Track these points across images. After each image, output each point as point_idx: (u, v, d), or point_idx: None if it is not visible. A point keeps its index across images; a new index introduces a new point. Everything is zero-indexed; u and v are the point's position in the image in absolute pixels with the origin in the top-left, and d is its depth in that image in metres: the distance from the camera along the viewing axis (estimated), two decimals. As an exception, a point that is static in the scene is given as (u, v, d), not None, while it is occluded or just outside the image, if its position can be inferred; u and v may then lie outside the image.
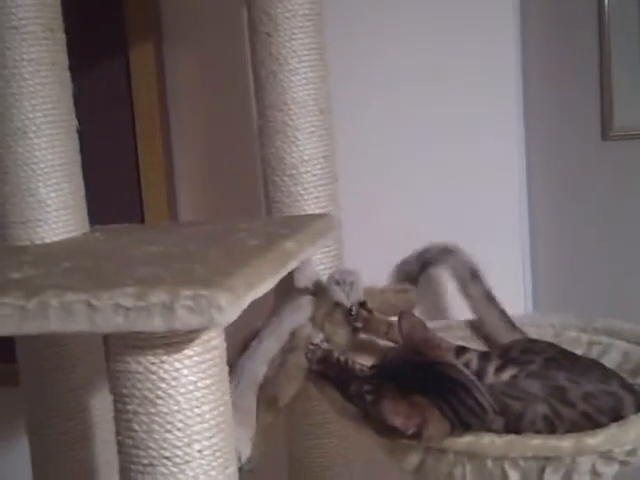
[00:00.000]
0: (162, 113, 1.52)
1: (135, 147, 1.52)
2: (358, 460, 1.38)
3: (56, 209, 1.10)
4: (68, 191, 1.11)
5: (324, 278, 1.22)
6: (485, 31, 1.42)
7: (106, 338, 1.17)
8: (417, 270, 1.36)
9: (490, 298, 1.31)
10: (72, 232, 1.12)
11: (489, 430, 1.00)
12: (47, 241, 1.09)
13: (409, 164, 1.47)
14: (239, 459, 1.03)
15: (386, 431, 1.00)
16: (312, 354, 1.15)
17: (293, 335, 1.16)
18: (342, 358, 1.16)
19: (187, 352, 0.81)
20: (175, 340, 0.80)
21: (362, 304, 1.21)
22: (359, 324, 1.20)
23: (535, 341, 1.25)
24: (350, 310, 1.19)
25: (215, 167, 1.55)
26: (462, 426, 0.98)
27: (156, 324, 0.75)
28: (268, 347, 1.14)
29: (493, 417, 1.00)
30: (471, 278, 1.32)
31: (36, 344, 1.15)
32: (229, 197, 1.55)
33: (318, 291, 1.20)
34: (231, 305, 0.74)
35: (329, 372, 1.15)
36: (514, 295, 1.47)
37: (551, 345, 1.22)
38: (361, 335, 1.23)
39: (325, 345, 1.17)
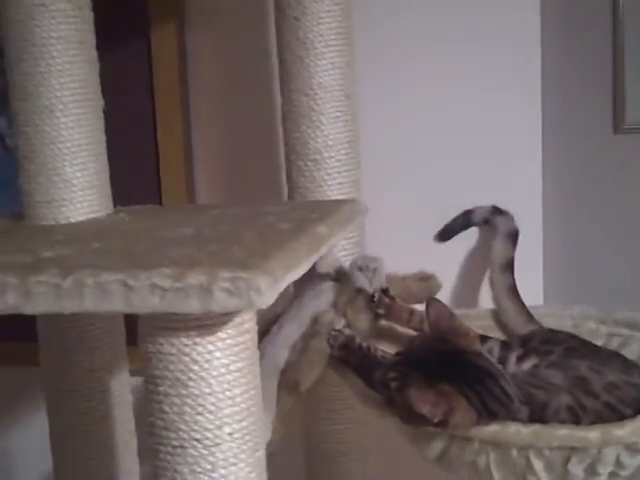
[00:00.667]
0: (182, 96, 1.51)
1: (154, 130, 1.51)
2: (375, 447, 1.38)
3: (81, 189, 1.09)
4: (94, 171, 1.11)
5: (346, 264, 1.22)
6: (509, 24, 1.42)
7: (128, 321, 1.19)
8: (461, 224, 1.37)
9: (514, 289, 1.32)
10: (97, 212, 1.11)
11: (514, 419, 1.00)
12: (72, 221, 1.09)
13: (430, 151, 1.47)
14: None
15: (411, 418, 0.99)
16: (334, 340, 1.14)
17: (315, 321, 1.16)
18: (364, 344, 1.15)
19: (220, 335, 0.80)
20: (209, 322, 0.79)
21: (384, 291, 1.21)
22: (381, 311, 1.20)
23: (555, 331, 1.25)
24: (372, 296, 1.19)
25: (234, 151, 1.55)
26: (489, 415, 0.98)
27: (193, 306, 0.74)
28: (289, 332, 1.14)
29: (519, 406, 1.00)
30: (505, 266, 1.32)
31: (58, 324, 1.15)
32: (247, 182, 1.54)
33: (340, 277, 1.20)
34: (269, 288, 0.73)
35: (351, 358, 1.14)
36: (531, 287, 1.47)
37: (571, 336, 1.22)
38: (382, 322, 1.23)
39: (347, 331, 1.16)
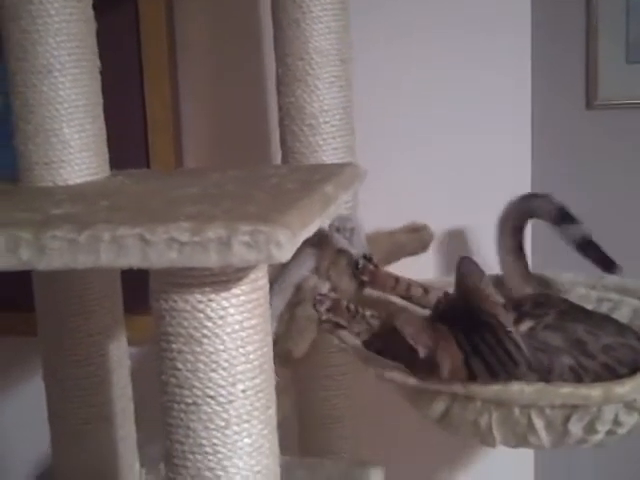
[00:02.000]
0: (170, 58, 1.49)
1: (142, 93, 1.49)
2: (369, 412, 1.39)
3: (79, 150, 1.08)
4: (91, 133, 1.09)
5: (324, 227, 1.21)
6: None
7: (126, 285, 1.18)
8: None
9: (519, 248, 1.32)
10: (94, 175, 1.10)
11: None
12: (70, 183, 1.07)
13: (422, 122, 1.47)
14: None
15: (411, 365, 1.01)
16: (319, 304, 1.14)
17: (299, 288, 1.16)
18: (351, 305, 1.15)
19: (235, 291, 0.80)
20: (224, 279, 0.79)
21: (368, 258, 1.20)
22: (365, 278, 1.20)
23: (547, 295, 1.26)
24: (356, 264, 1.19)
25: (223, 116, 1.53)
26: (488, 372, 0.98)
27: (212, 260, 0.73)
28: (275, 304, 1.13)
29: (525, 371, 1.00)
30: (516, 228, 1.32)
31: (56, 289, 1.13)
32: (236, 147, 1.53)
33: (320, 241, 1.19)
34: (289, 241, 0.73)
35: (340, 320, 1.15)
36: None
37: (563, 300, 1.24)
38: (367, 290, 1.23)
39: (332, 295, 1.16)
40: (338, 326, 1.15)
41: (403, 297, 1.21)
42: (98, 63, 1.11)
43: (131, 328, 1.23)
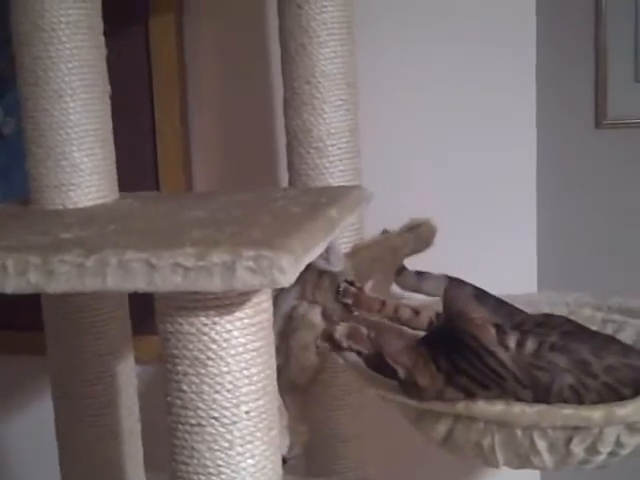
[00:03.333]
0: (181, 83, 1.51)
1: (153, 118, 1.52)
2: (373, 433, 1.39)
3: (89, 174, 1.10)
4: (101, 156, 1.11)
5: None
6: (507, 22, 1.44)
7: (133, 305, 1.20)
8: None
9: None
10: (104, 198, 1.12)
11: (518, 400, 1.01)
12: (80, 206, 1.09)
13: (428, 144, 1.49)
14: None
15: (410, 390, 1.01)
16: (344, 296, 1.16)
17: (290, 317, 1.16)
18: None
19: (238, 314, 0.82)
20: (227, 302, 0.81)
21: (350, 282, 1.20)
22: (348, 300, 1.19)
23: (550, 315, 1.26)
24: (338, 287, 1.19)
25: (232, 140, 1.55)
26: (477, 385, 0.99)
27: (216, 284, 0.75)
28: None
29: (515, 386, 1.01)
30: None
31: (65, 310, 1.15)
32: (245, 170, 1.55)
33: None
34: (292, 266, 0.75)
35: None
36: (525, 275, 1.50)
37: (566, 320, 1.24)
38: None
39: (354, 287, 1.17)
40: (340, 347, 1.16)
41: (391, 319, 1.21)
42: (108, 88, 1.13)
43: (138, 348, 1.24)
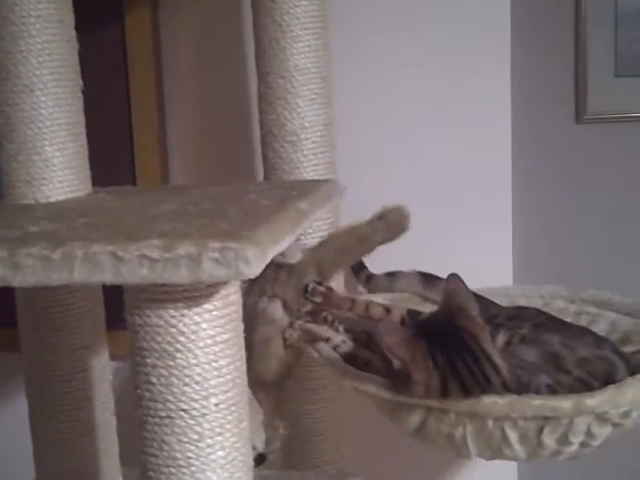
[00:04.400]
0: (157, 78, 1.51)
1: (129, 112, 1.51)
2: (349, 426, 1.40)
3: (61, 168, 1.10)
4: (73, 151, 1.11)
5: None
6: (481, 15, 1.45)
7: (108, 299, 1.20)
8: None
9: None
10: (76, 192, 1.12)
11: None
12: (52, 200, 1.09)
13: (403, 138, 1.49)
14: (254, 448, 1.03)
15: (397, 382, 1.01)
16: (312, 294, 1.16)
17: (252, 314, 1.15)
18: (329, 317, 1.16)
19: (207, 306, 0.82)
20: (196, 294, 0.81)
21: (318, 282, 1.20)
22: (317, 299, 1.19)
23: (523, 308, 1.27)
24: (307, 287, 1.18)
25: (208, 133, 1.55)
26: (462, 392, 0.99)
27: (182, 276, 0.75)
28: None
29: (499, 390, 1.00)
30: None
31: (39, 304, 1.15)
32: (221, 164, 1.55)
33: None
34: (257, 258, 0.75)
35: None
36: (501, 269, 1.51)
37: (539, 311, 1.24)
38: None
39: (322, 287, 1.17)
40: (315, 338, 1.16)
41: (362, 317, 1.21)
42: (80, 82, 1.13)
43: (113, 343, 1.24)
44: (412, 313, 1.17)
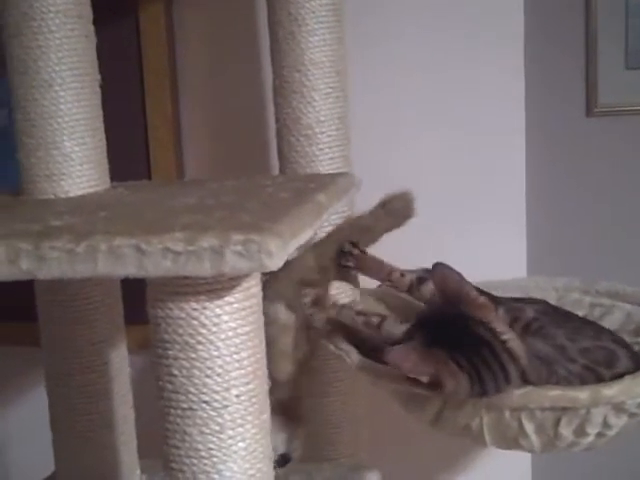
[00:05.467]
0: (171, 72, 1.52)
1: (144, 106, 1.52)
2: (365, 418, 1.41)
3: (80, 163, 1.11)
4: (92, 146, 1.12)
5: None
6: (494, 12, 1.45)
7: (126, 294, 1.21)
8: None
9: None
10: (95, 187, 1.12)
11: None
12: (71, 195, 1.10)
13: (419, 131, 1.50)
14: (274, 449, 1.01)
15: (407, 381, 1.01)
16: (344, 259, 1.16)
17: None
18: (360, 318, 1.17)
19: (228, 299, 0.82)
20: (217, 287, 0.81)
21: (353, 244, 1.20)
22: (350, 263, 1.19)
23: (520, 299, 1.25)
24: (342, 249, 1.18)
25: (223, 128, 1.56)
26: (480, 388, 0.98)
27: (205, 268, 0.76)
28: None
29: (519, 384, 1.00)
30: None
31: (58, 299, 1.16)
32: (236, 158, 1.56)
33: None
34: (280, 250, 0.75)
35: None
36: (515, 260, 1.51)
37: (538, 301, 1.23)
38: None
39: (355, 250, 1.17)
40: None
41: (383, 280, 1.22)
42: (98, 77, 1.14)
43: (132, 337, 1.25)
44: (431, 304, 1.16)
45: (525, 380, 1.00)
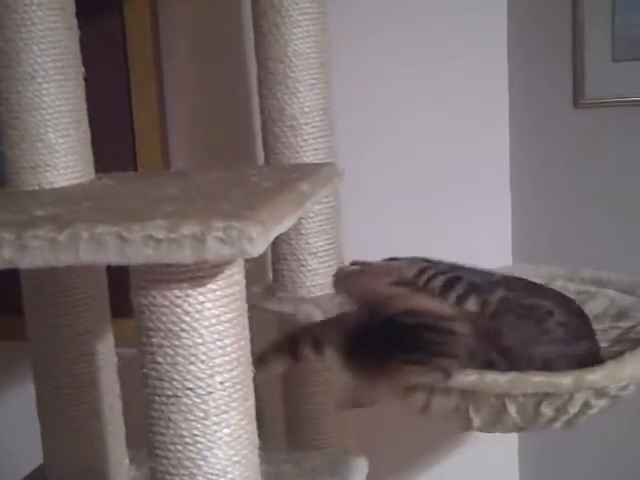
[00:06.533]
0: (156, 64, 1.53)
1: (129, 98, 1.53)
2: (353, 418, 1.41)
3: (64, 155, 1.10)
4: (76, 137, 1.12)
5: None
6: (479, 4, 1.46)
7: (112, 284, 1.21)
8: None
9: None
10: (80, 178, 1.12)
11: (491, 365, 1.04)
12: (56, 186, 1.10)
13: (403, 122, 1.51)
14: None
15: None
16: None
17: None
18: None
19: (211, 286, 0.83)
20: (200, 274, 0.82)
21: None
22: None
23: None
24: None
25: (208, 119, 1.57)
26: (444, 370, 1.01)
27: (186, 256, 0.76)
28: None
29: (476, 345, 1.03)
30: None
31: (45, 290, 1.16)
32: (222, 149, 1.57)
33: None
34: (261, 237, 0.76)
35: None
36: (501, 249, 1.52)
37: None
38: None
39: None
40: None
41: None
42: (82, 69, 1.14)
43: (119, 330, 1.26)
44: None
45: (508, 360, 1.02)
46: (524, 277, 1.29)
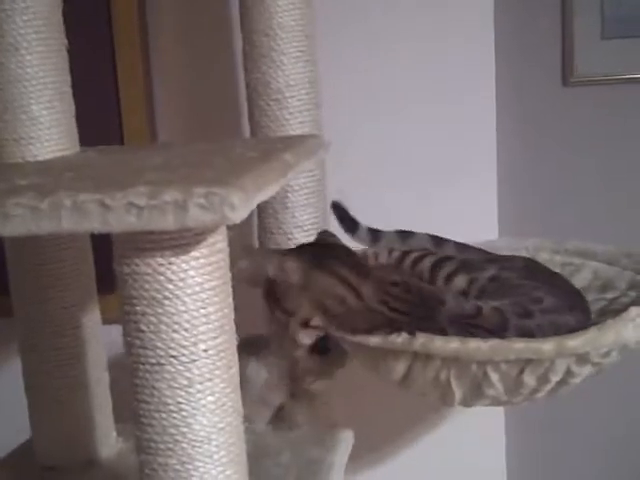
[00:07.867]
0: (142, 36, 1.52)
1: (115, 71, 1.52)
2: (338, 381, 1.42)
3: (48, 127, 1.10)
4: (60, 109, 1.12)
5: None
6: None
7: (98, 256, 1.22)
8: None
9: None
10: (64, 150, 1.12)
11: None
12: (40, 159, 1.10)
13: (388, 97, 1.51)
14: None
15: None
16: None
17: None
18: None
19: (194, 254, 0.83)
20: (182, 242, 0.82)
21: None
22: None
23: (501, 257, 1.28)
24: None
25: (194, 92, 1.56)
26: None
27: (168, 222, 0.76)
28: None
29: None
30: None
31: (30, 262, 1.17)
32: (208, 122, 1.56)
33: None
34: (242, 203, 0.76)
35: None
36: (487, 223, 1.53)
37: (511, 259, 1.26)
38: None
39: None
40: None
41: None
42: (65, 41, 1.13)
43: (107, 307, 1.26)
44: None
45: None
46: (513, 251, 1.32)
